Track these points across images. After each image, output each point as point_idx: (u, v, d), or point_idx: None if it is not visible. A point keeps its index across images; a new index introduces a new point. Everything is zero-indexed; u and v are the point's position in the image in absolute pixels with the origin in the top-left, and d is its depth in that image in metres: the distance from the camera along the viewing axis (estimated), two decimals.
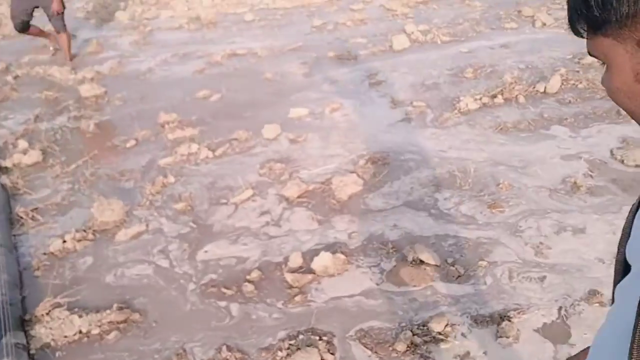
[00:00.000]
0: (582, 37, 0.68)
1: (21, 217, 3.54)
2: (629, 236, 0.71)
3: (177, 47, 6.40)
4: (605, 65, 0.67)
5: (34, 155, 4.25)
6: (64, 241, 3.26)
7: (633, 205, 0.73)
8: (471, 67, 4.96)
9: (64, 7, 6.07)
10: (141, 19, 7.75)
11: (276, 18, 7.16)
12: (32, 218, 3.54)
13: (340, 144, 3.93)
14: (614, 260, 0.77)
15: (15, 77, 6.09)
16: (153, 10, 8.15)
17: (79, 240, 3.26)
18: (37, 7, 6.03)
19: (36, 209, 3.64)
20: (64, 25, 6.15)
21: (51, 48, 6.59)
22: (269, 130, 4.16)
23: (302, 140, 4.05)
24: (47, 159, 4.27)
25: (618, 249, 0.75)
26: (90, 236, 3.29)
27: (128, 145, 4.30)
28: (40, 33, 6.40)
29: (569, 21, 0.68)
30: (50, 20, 6.13)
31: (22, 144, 4.49)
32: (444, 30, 5.98)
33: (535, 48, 5.20)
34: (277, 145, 4.04)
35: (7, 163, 4.22)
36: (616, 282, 0.74)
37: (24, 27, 6.11)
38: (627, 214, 0.74)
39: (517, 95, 4.32)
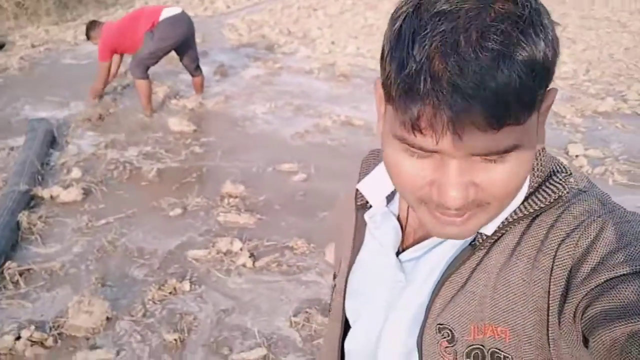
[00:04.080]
0: (501, 125, 0.50)
1: (4, 279, 2.89)
2: None
3: (294, 97, 5.64)
4: (501, 159, 0.53)
5: (73, 193, 3.66)
6: (18, 337, 2.52)
7: None
8: None
9: None
10: (277, 52, 7.17)
11: None
12: (16, 284, 2.88)
13: None
14: None
15: (125, 87, 5.75)
16: (295, 45, 7.56)
17: (32, 344, 2.49)
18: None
19: (29, 270, 2.98)
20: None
21: None
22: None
23: None
24: (86, 201, 3.65)
25: None
26: (50, 342, 2.50)
27: (172, 213, 3.53)
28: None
29: (510, 104, 0.49)
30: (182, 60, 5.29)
31: (76, 172, 3.95)
32: (622, 165, 4.48)
33: None
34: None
35: (45, 193, 3.67)
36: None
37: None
38: None
39: None
